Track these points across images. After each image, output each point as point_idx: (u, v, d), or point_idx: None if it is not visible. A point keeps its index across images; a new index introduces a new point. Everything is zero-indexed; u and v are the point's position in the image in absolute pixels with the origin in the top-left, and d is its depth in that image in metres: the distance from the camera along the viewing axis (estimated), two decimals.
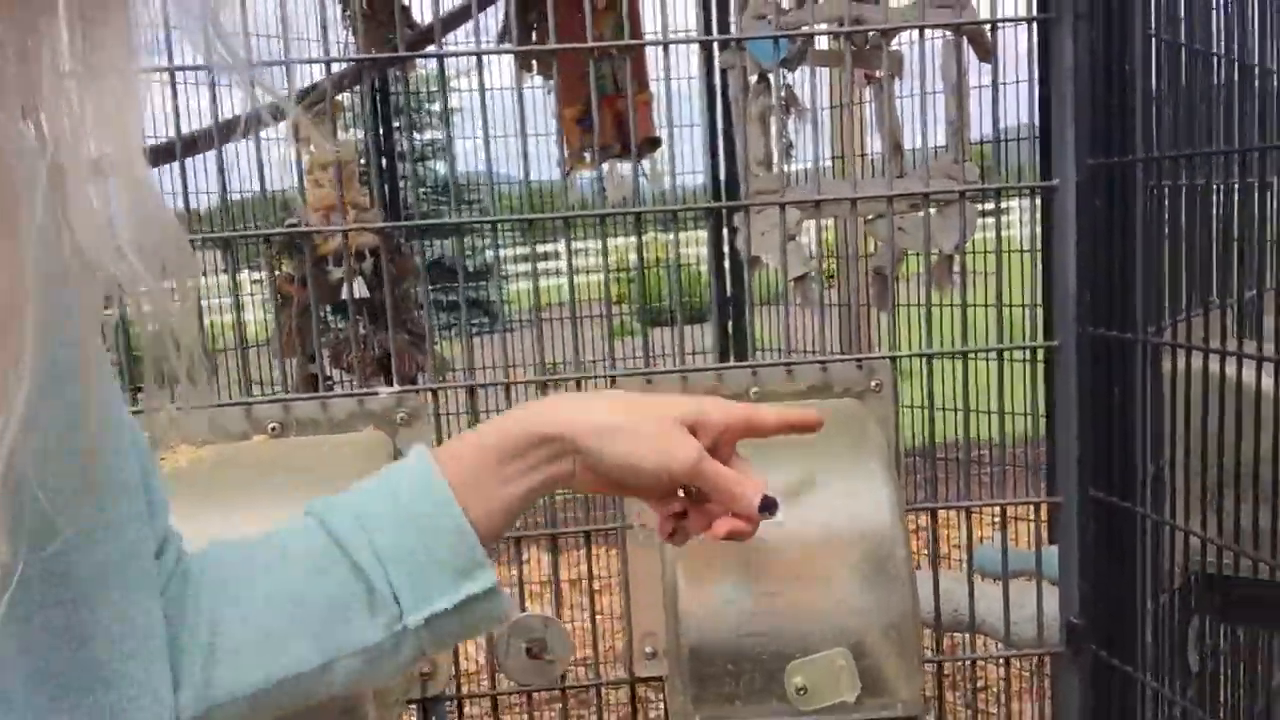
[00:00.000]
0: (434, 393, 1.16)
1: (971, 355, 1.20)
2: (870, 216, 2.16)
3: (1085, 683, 1.20)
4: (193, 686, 0.63)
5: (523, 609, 1.21)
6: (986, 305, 1.98)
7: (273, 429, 1.12)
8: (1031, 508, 1.73)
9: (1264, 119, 1.24)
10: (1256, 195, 1.16)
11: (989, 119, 1.27)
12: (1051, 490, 1.20)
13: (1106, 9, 1.07)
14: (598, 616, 1.30)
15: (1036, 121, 1.64)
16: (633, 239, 1.26)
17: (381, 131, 3.43)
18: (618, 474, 0.71)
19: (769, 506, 0.74)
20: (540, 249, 1.25)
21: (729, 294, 3.34)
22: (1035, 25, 1.20)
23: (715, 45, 1.89)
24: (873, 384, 1.17)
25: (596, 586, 1.26)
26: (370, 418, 1.14)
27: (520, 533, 1.22)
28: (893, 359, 1.18)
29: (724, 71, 2.33)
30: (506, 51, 1.33)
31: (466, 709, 1.26)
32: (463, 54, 1.32)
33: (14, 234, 0.46)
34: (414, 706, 1.19)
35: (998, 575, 1.42)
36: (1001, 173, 1.16)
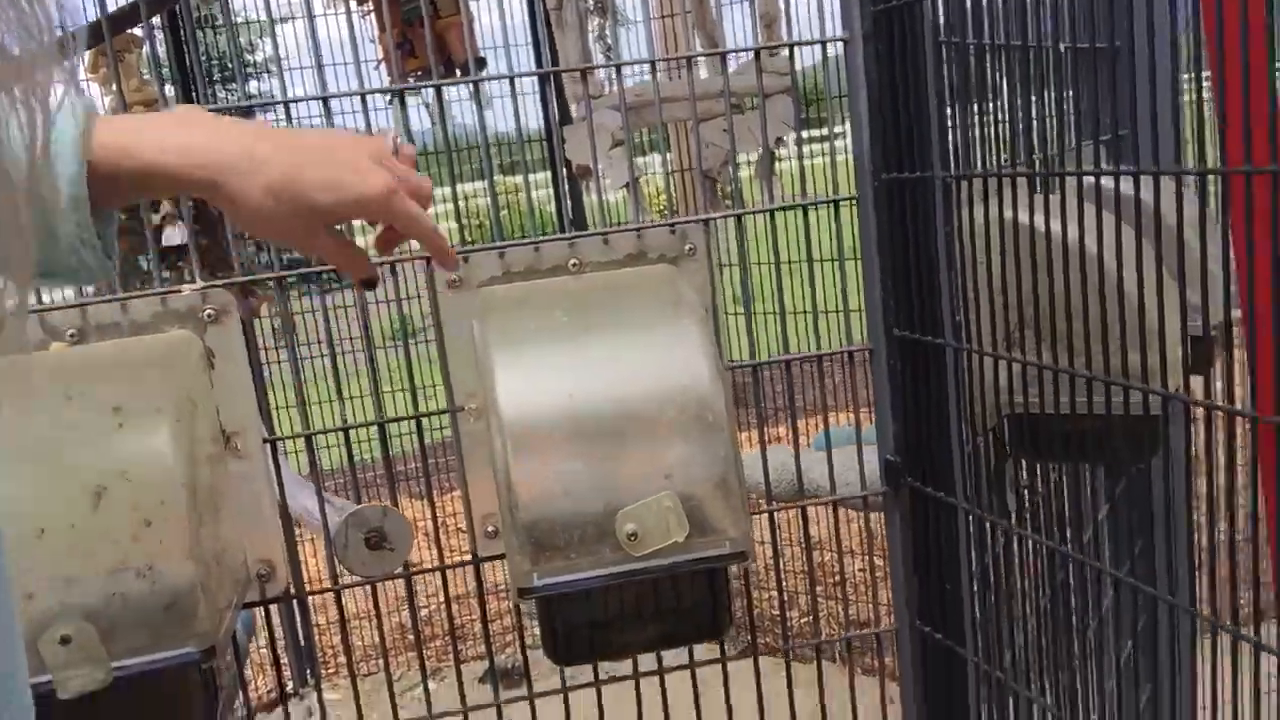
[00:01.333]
0: (241, 288, 1.12)
1: (784, 258, 1.23)
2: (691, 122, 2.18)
3: (906, 518, 1.27)
4: None
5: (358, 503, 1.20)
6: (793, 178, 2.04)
7: (71, 335, 1.07)
8: (852, 409, 1.81)
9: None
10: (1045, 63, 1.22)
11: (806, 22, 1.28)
12: (866, 326, 1.25)
13: (890, 26, 1.10)
14: (437, 505, 1.30)
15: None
16: (481, 183, 1.25)
17: (186, 74, 3.27)
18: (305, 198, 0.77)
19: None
20: None
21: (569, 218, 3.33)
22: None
23: None
24: (686, 248, 1.19)
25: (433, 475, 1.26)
26: (176, 317, 1.10)
27: (345, 425, 1.21)
28: (705, 222, 1.20)
29: None
30: None
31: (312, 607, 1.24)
32: None
33: None
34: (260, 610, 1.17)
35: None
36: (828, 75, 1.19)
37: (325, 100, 1.18)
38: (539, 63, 3.04)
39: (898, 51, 1.12)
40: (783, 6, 2.15)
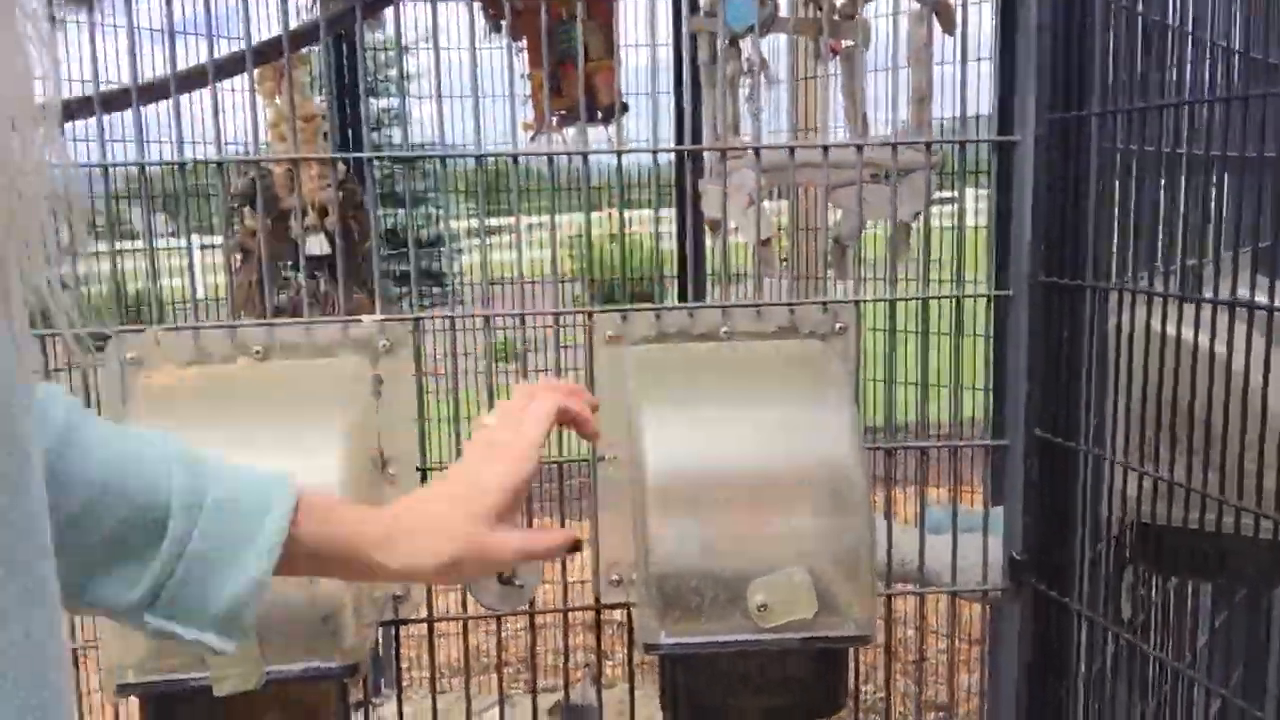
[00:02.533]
0: (416, 322, 1.19)
1: (932, 326, 1.26)
2: (833, 186, 2.22)
3: (1026, 618, 1.27)
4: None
5: None
6: (941, 280, 2.06)
7: (257, 352, 1.15)
8: (980, 487, 1.80)
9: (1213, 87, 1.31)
10: (1203, 171, 1.23)
11: (951, 102, 1.31)
12: (1003, 420, 1.26)
13: (1063, 134, 1.13)
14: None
15: (994, 99, 1.70)
16: (595, 216, 1.31)
17: (346, 94, 3.42)
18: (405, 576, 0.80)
19: (576, 547, 0.85)
20: (493, 221, 1.27)
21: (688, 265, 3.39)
22: None
23: (685, 9, 1.91)
24: (836, 326, 1.23)
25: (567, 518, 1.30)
26: (353, 345, 1.17)
27: None
28: (856, 303, 1.23)
29: (693, 37, 2.37)
30: None
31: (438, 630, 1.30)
32: None
33: None
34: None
35: (947, 533, 1.49)
36: (964, 161, 1.21)
37: (480, 160, 1.22)
38: (680, 118, 3.11)
39: (1069, 161, 1.14)
40: (936, 84, 2.18)
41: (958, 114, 1.31)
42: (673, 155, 3.45)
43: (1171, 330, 1.27)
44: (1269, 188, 1.39)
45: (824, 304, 1.22)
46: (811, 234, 3.30)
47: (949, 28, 2.15)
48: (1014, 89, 1.20)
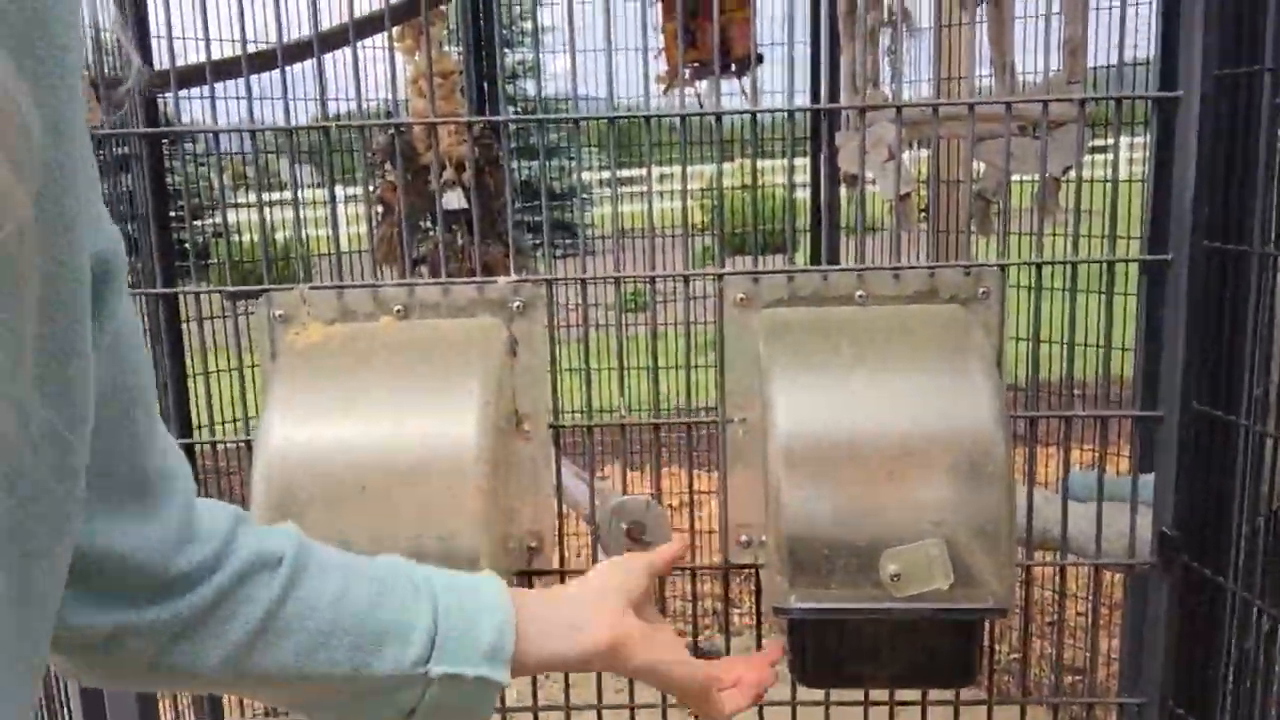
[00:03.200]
0: (549, 283, 1.20)
1: (1081, 284, 1.20)
2: (978, 139, 2.13)
3: (1175, 596, 1.22)
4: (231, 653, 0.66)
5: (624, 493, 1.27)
6: (1093, 236, 1.96)
7: (398, 310, 1.18)
8: (1128, 443, 1.72)
9: None
10: None
11: (1107, 48, 1.24)
12: (1159, 393, 1.20)
13: (1231, 91, 1.05)
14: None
15: (1156, 48, 1.60)
16: (727, 166, 1.29)
17: (482, 48, 3.46)
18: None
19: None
20: (625, 173, 1.27)
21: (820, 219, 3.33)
22: None
23: None
24: (979, 291, 1.19)
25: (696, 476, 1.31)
26: (488, 305, 1.19)
27: (623, 419, 1.27)
28: (1002, 267, 1.19)
29: None
30: None
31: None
32: None
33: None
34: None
35: (1090, 500, 1.43)
36: (1120, 114, 1.14)
37: (613, 121, 1.22)
38: (815, 70, 3.04)
39: (1236, 119, 1.07)
40: (1090, 30, 2.06)
41: (1114, 61, 1.23)
42: (808, 101, 3.38)
43: None
44: None
45: (966, 268, 1.18)
46: (954, 186, 3.20)
47: None
48: (1178, 39, 1.12)
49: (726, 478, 1.23)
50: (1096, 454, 1.31)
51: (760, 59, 3.12)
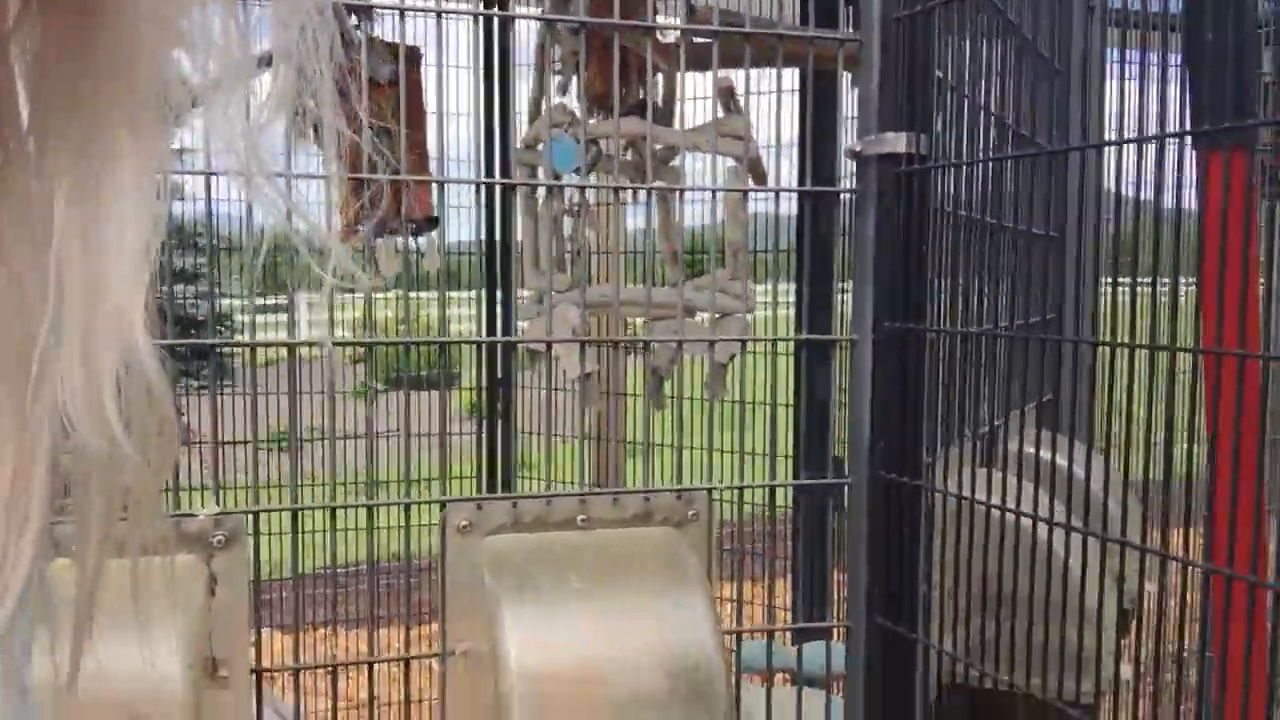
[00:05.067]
0: (255, 515, 1.12)
1: (780, 485, 1.30)
2: (653, 319, 2.27)
3: None
4: None
5: None
6: (758, 403, 2.13)
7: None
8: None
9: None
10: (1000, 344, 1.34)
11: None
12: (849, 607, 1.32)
13: (908, 190, 1.22)
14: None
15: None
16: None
17: None
18: None
19: None
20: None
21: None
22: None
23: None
24: (690, 514, 1.25)
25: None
26: (186, 541, 1.08)
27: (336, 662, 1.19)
28: (709, 490, 1.26)
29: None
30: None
31: None
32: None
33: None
34: None
35: (758, 671, 1.53)
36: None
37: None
38: (489, 223, 3.11)
39: (905, 362, 1.22)
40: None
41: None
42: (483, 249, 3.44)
43: (974, 494, 1.37)
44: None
45: (678, 492, 1.24)
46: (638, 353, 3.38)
47: (760, 181, 2.27)
48: (855, 291, 1.27)
49: (445, 714, 1.18)
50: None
51: (437, 221, 3.15)
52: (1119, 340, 1.18)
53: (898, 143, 1.20)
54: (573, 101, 2.52)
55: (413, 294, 1.23)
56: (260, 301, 1.13)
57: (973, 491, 1.32)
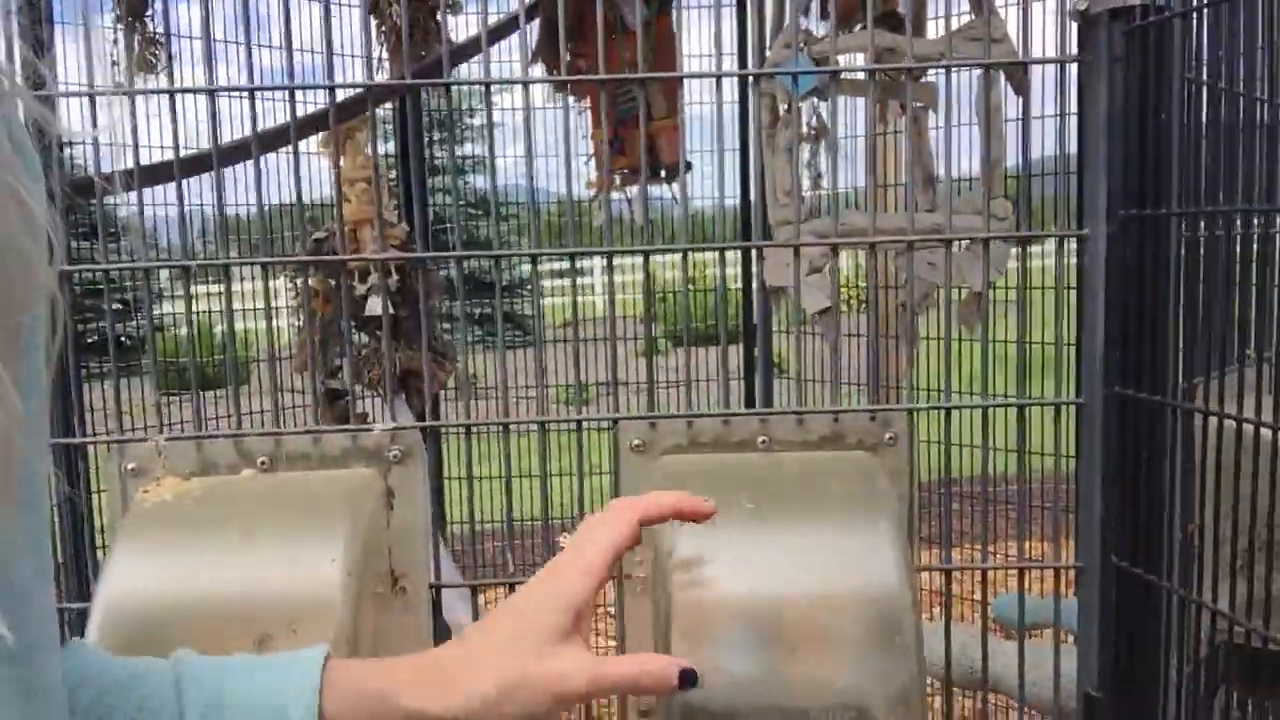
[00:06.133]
0: (428, 431, 1.12)
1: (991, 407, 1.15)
2: (895, 252, 2.11)
3: None
4: None
5: None
6: (1008, 341, 1.93)
7: (262, 463, 1.09)
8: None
9: None
10: None
11: (1017, 150, 1.21)
12: (1078, 544, 1.14)
13: (1143, 52, 1.02)
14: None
15: (1070, 152, 1.59)
16: (667, 259, 1.26)
17: (412, 146, 3.42)
18: None
19: (689, 680, 0.76)
20: (560, 265, 1.21)
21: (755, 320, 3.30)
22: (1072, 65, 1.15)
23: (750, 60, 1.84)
24: (887, 437, 1.12)
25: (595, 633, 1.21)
26: (363, 455, 1.10)
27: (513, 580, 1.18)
28: (910, 411, 1.12)
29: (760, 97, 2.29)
30: (515, 82, 1.29)
31: None
32: (473, 83, 1.28)
33: None
34: None
35: (1015, 625, 1.36)
36: (1032, 207, 1.11)
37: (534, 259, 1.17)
38: (745, 176, 3.03)
39: (1146, 252, 1.03)
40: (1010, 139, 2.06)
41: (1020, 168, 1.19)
42: (739, 201, 3.38)
43: (1266, 435, 1.14)
44: None
45: (873, 412, 1.12)
46: (893, 291, 3.19)
47: (1019, 89, 2.03)
48: (1084, 176, 1.09)
49: (624, 639, 1.14)
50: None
51: (689, 166, 3.11)
52: None
53: None
54: (812, 22, 2.39)
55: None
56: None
57: (1251, 412, 1.10)
